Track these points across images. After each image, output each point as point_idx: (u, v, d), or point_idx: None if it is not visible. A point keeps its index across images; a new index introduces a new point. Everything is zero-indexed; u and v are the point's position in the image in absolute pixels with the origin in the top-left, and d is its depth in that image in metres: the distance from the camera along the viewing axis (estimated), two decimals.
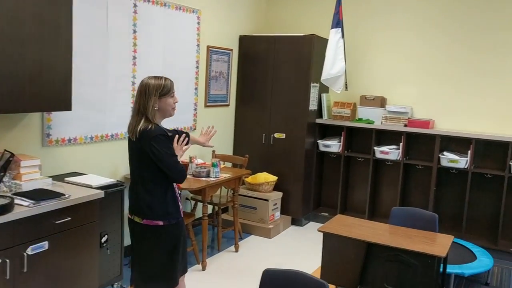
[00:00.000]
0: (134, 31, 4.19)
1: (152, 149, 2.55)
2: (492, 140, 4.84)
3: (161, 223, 2.65)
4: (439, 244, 3.18)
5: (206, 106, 5.22)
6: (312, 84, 5.33)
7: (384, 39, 5.50)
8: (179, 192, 2.94)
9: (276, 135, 5.55)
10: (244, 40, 5.64)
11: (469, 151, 4.90)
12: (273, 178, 5.37)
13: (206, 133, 3.18)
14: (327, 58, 5.18)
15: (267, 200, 5.21)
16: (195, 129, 5.03)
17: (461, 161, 4.90)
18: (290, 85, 5.39)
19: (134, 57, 4.22)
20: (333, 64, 5.17)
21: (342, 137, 5.50)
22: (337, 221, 3.58)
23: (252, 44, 5.59)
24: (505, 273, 4.48)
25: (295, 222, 5.61)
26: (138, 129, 2.58)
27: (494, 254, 4.62)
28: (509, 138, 4.72)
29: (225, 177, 4.34)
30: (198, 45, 4.98)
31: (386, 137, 5.48)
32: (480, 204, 5.11)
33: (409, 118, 5.24)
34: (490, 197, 5.06)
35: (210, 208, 5.05)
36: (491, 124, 5.02)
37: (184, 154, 2.84)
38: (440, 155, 5.02)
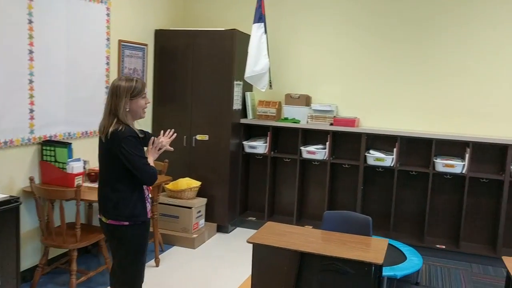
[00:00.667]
0: (30, 21, 3.62)
1: (122, 151, 2.57)
2: (417, 137, 4.83)
3: (126, 223, 2.67)
4: (374, 249, 3.00)
5: None
6: (235, 82, 5.03)
7: (308, 35, 5.34)
8: (149, 194, 2.85)
9: (198, 137, 5.17)
10: (160, 35, 5.20)
11: (394, 149, 4.85)
12: (196, 183, 5.00)
13: (166, 136, 2.98)
14: (250, 54, 4.90)
15: (190, 208, 4.83)
16: None
17: (387, 159, 4.84)
18: (212, 84, 5.05)
19: (31, 51, 3.65)
20: (256, 61, 4.90)
21: (268, 138, 5.26)
22: (267, 229, 3.30)
23: (169, 39, 5.17)
24: (433, 271, 4.47)
25: (221, 229, 5.28)
26: (109, 131, 2.58)
27: (422, 252, 4.61)
28: (433, 134, 4.73)
29: None
30: (108, 39, 4.47)
31: (312, 136, 5.31)
32: (406, 201, 5.10)
33: (334, 116, 5.11)
34: (415, 194, 5.06)
35: None
36: (415, 121, 5.02)
37: None
38: (366, 154, 4.93)
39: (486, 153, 4.77)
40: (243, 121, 5.30)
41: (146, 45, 5.06)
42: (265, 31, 4.94)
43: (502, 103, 4.74)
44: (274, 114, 5.33)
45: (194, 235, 4.80)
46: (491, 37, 4.73)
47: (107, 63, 4.48)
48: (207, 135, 5.14)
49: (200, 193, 5.07)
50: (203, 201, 5.04)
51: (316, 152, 5.08)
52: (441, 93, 4.93)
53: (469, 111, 4.85)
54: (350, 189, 5.27)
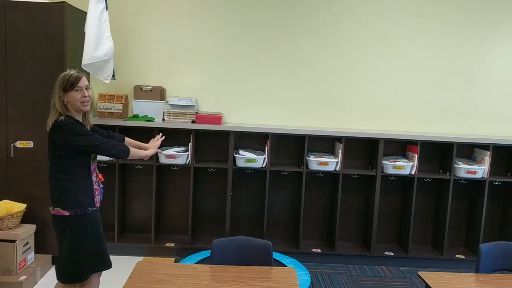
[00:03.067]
0: None
1: (69, 136, 2.61)
2: (288, 134, 4.36)
3: (67, 213, 2.67)
4: (285, 284, 2.37)
5: None
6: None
7: (159, 14, 4.43)
8: (100, 184, 2.89)
9: (19, 144, 3.88)
10: None
11: (266, 148, 4.32)
12: (19, 207, 3.73)
13: (154, 140, 3.13)
14: (89, 36, 3.81)
15: (13, 241, 3.57)
16: None
17: (259, 160, 4.28)
18: (35, 74, 3.79)
19: None
20: (97, 45, 3.83)
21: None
22: (139, 276, 2.39)
23: None
24: (315, 279, 4.07)
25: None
26: (49, 121, 2.66)
27: (299, 258, 4.21)
28: (305, 130, 4.32)
29: None
30: None
31: (170, 136, 4.45)
32: (279, 204, 4.64)
33: (196, 112, 4.34)
34: (287, 196, 4.63)
35: None
36: (285, 116, 4.55)
37: None
38: (235, 155, 4.30)
39: (356, 148, 4.56)
40: None
41: None
42: (106, 7, 3.89)
43: (371, 97, 4.57)
44: (120, 111, 4.31)
45: (22, 277, 3.57)
46: (359, 28, 4.50)
47: None
48: (31, 141, 3.88)
49: (26, 218, 3.82)
50: (30, 229, 3.80)
51: (177, 156, 4.25)
52: (310, 86, 4.54)
53: (339, 104, 4.57)
54: (217, 195, 4.58)
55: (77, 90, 2.65)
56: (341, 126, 4.57)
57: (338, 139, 4.39)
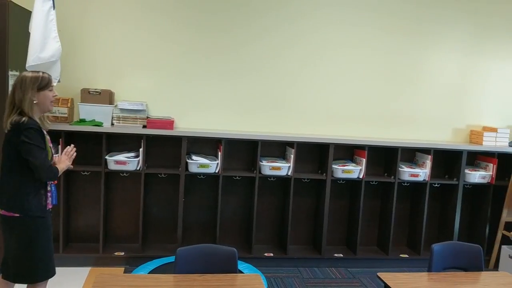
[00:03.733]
0: None
1: (22, 141, 2.56)
2: (241, 139, 4.36)
3: (17, 214, 2.63)
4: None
5: None
6: (10, 73, 3.63)
7: (107, 15, 4.28)
8: (53, 186, 2.81)
9: None
10: None
11: (219, 153, 4.29)
12: None
13: (67, 153, 2.86)
14: (34, 36, 3.59)
15: None
16: None
17: (212, 165, 4.25)
18: None
19: None
20: (43, 45, 3.63)
21: (59, 146, 4.01)
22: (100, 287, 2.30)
23: None
24: (269, 284, 4.11)
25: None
26: (10, 121, 2.59)
27: (252, 262, 4.22)
28: (258, 135, 4.34)
29: None
30: None
31: (117, 142, 4.32)
32: (231, 209, 4.62)
33: (147, 117, 4.24)
34: (240, 201, 4.63)
35: None
36: (236, 121, 4.55)
37: None
38: (188, 160, 4.23)
39: (307, 152, 4.65)
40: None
41: None
42: (54, 6, 3.70)
43: (321, 103, 4.68)
44: (65, 115, 4.11)
45: None
46: (309, 34, 4.61)
47: None
48: None
49: None
50: None
51: (127, 162, 4.11)
52: (261, 90, 4.58)
53: (290, 109, 4.65)
54: (167, 201, 4.49)
55: (50, 89, 2.70)
56: (290, 131, 4.65)
57: (290, 143, 4.46)
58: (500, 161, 4.73)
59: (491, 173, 4.70)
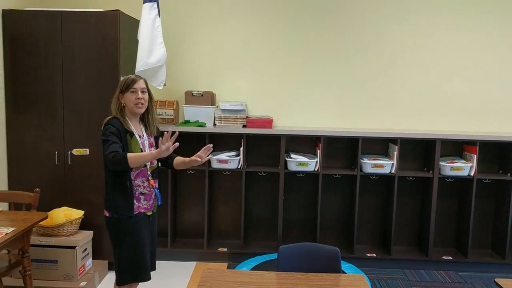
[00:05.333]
0: None
1: (101, 136, 2.70)
2: (341, 136, 4.27)
3: (107, 214, 2.78)
4: None
5: None
6: (121, 78, 3.91)
7: (207, 19, 4.43)
8: (155, 190, 2.85)
9: (76, 151, 3.94)
10: (11, 17, 3.82)
11: (318, 151, 4.25)
12: (78, 213, 3.79)
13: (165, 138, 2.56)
14: (142, 43, 3.84)
15: (73, 247, 3.63)
16: None
17: (311, 164, 4.22)
18: (90, 80, 3.85)
19: None
20: (150, 51, 3.86)
21: None
22: (205, 283, 2.37)
23: (24, 22, 3.80)
24: (371, 285, 3.97)
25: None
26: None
27: (353, 263, 4.12)
28: (358, 132, 4.22)
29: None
30: None
31: (220, 141, 4.45)
32: (331, 208, 4.56)
33: (247, 116, 4.32)
34: (340, 200, 4.55)
35: None
36: (334, 118, 4.48)
37: None
38: (287, 158, 4.25)
39: (411, 149, 4.43)
40: None
41: None
42: (159, 14, 3.92)
43: (422, 96, 4.44)
44: (172, 117, 4.33)
45: (82, 283, 3.62)
46: (409, 28, 4.38)
47: None
48: (87, 149, 3.94)
49: (82, 224, 3.88)
50: (88, 235, 3.85)
51: (229, 160, 4.23)
52: (359, 86, 4.45)
53: (392, 105, 4.46)
54: (268, 199, 4.55)
55: (132, 91, 2.73)
56: (392, 127, 4.46)
57: (393, 140, 4.28)
58: None
59: None
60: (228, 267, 4.23)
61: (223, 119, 4.29)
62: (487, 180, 4.39)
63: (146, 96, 2.79)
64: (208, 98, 4.31)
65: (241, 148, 4.24)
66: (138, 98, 2.73)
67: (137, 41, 3.89)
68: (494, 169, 4.44)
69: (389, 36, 4.40)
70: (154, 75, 3.96)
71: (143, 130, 2.86)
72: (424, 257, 4.35)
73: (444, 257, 4.35)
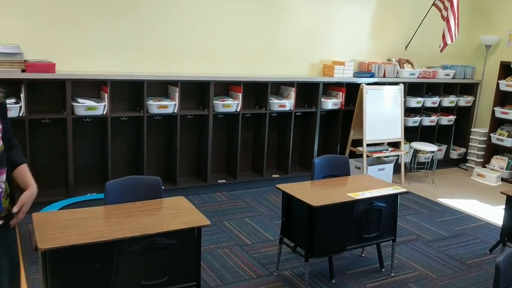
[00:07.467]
0: None
1: None
2: (127, 80, 4.46)
3: None
4: (183, 209, 2.74)
5: None
6: None
7: None
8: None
9: None
10: None
11: (106, 94, 4.34)
12: None
13: None
14: None
15: None
16: None
17: (100, 107, 4.30)
18: None
19: None
20: None
21: None
22: (44, 224, 2.43)
23: None
24: None
25: None
26: None
27: None
28: (142, 76, 4.48)
29: None
30: None
31: None
32: (119, 150, 4.75)
33: (25, 61, 4.05)
34: (129, 140, 4.79)
35: None
36: (119, 62, 4.60)
37: None
38: (73, 103, 4.21)
39: (189, 91, 4.95)
40: None
41: None
42: None
43: (200, 43, 4.95)
44: None
45: None
46: None
47: None
48: None
49: None
50: None
51: (9, 108, 3.93)
52: (142, 31, 4.66)
53: (171, 51, 4.84)
54: (54, 147, 4.43)
55: None
56: (170, 70, 4.87)
57: (173, 83, 4.71)
58: (347, 89, 5.66)
59: (341, 100, 5.62)
60: None
61: None
62: (248, 114, 5.32)
63: None
64: None
65: (22, 95, 3.99)
66: None
67: None
68: (252, 105, 5.38)
69: None
70: None
71: None
72: (203, 183, 5.06)
73: (219, 181, 5.16)
